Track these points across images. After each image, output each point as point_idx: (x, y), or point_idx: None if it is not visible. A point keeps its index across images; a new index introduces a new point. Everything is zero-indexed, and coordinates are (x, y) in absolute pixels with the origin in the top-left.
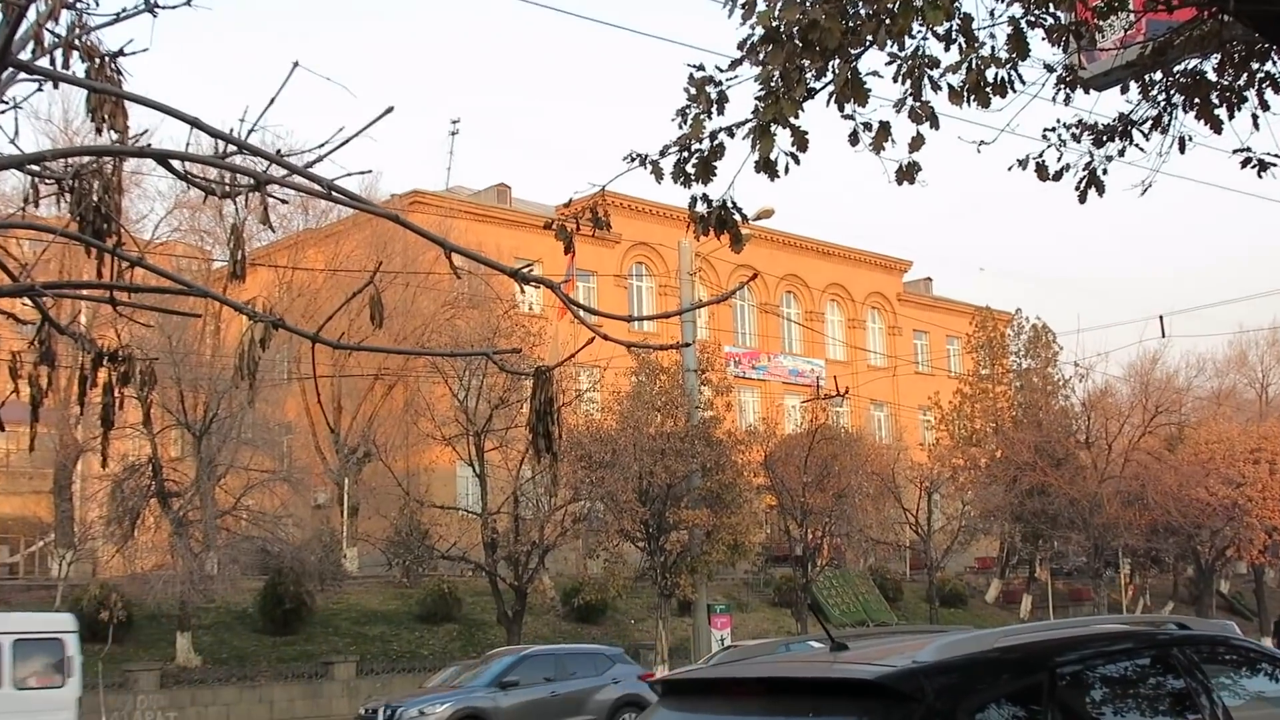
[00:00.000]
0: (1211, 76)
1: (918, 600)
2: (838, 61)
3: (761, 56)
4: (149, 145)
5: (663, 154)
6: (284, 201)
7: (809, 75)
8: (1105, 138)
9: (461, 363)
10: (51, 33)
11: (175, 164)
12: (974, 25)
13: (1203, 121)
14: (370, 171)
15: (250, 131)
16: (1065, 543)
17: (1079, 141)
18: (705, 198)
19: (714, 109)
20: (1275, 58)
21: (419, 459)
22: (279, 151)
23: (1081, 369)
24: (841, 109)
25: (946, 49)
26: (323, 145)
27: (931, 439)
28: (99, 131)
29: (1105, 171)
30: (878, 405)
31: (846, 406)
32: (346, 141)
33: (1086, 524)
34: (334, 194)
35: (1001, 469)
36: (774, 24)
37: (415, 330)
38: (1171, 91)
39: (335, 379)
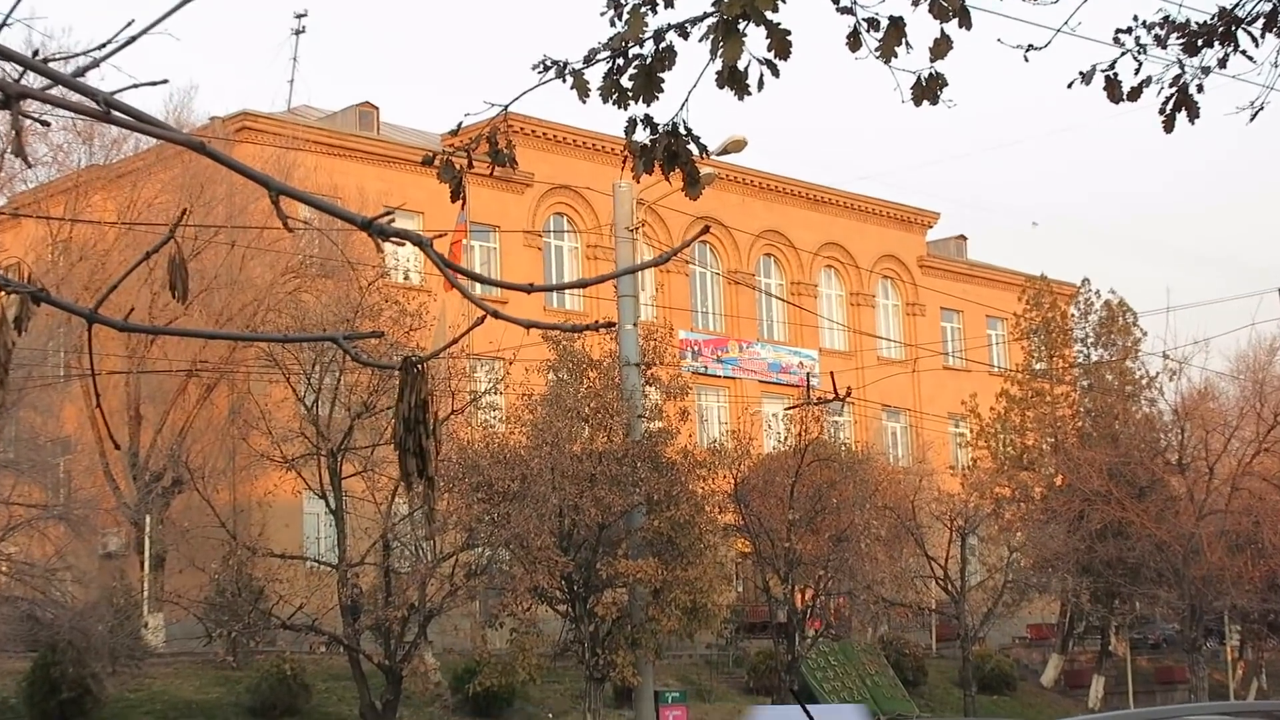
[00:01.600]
0: None
1: (947, 684)
2: None
3: None
4: None
5: (589, 61)
6: (43, 124)
7: None
8: (1200, 42)
9: (310, 354)
10: None
11: None
12: None
13: None
14: (165, 81)
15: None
16: (1151, 604)
17: (1164, 47)
18: (649, 122)
19: None
20: None
21: (250, 488)
22: (36, 53)
23: (1173, 362)
24: (837, 0)
25: None
26: (105, 46)
27: (966, 459)
28: None
29: (1200, 88)
30: (892, 413)
31: (849, 415)
32: (135, 38)
33: (1180, 577)
34: (113, 113)
35: (1063, 501)
36: None
37: (245, 308)
38: None
39: (131, 377)
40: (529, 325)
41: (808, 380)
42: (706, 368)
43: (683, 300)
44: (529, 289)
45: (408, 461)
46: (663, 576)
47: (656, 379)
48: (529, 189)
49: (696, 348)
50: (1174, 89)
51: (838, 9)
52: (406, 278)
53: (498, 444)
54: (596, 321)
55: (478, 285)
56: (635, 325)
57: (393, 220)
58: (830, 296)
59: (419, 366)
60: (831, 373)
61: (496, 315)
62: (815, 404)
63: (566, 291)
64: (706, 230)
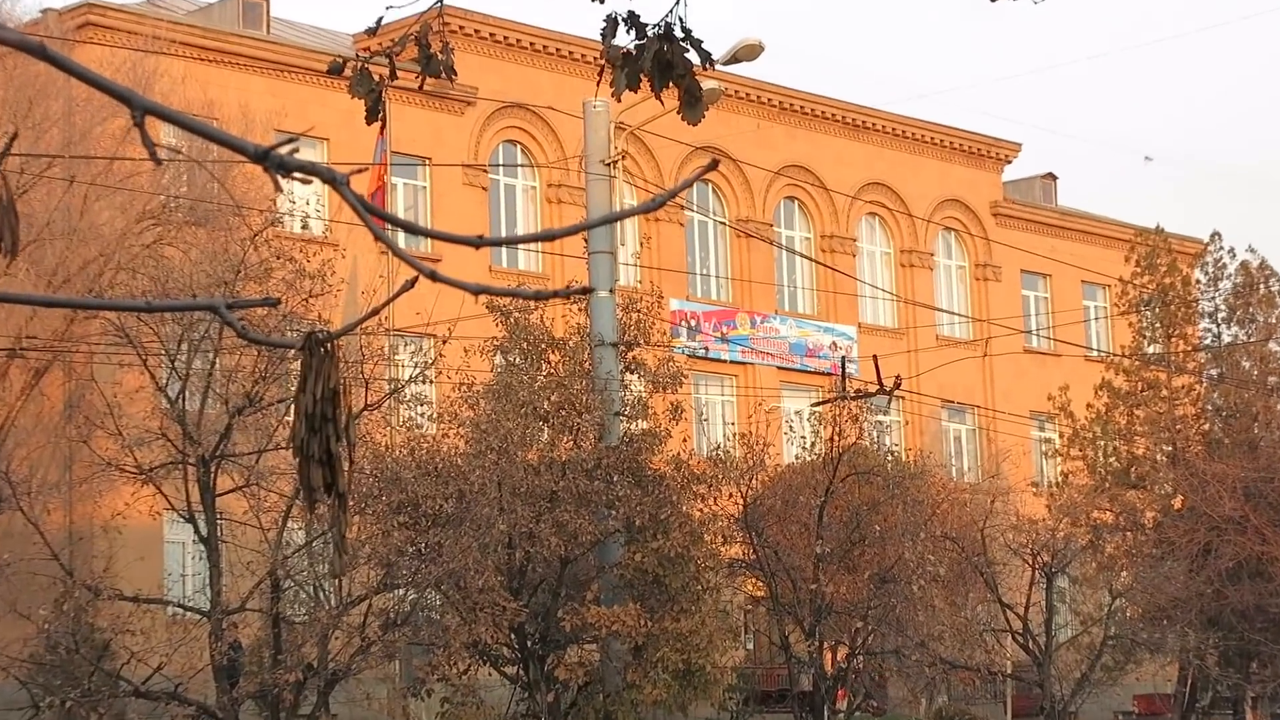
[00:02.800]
0: None
1: None
2: None
3: None
4: None
5: None
6: None
7: None
8: None
9: (175, 328)
10: None
11: None
12: None
13: None
14: None
15: None
16: None
17: None
18: (634, 21)
19: None
20: None
21: (93, 508)
22: None
23: None
24: None
25: None
26: None
27: (1055, 474)
28: None
29: None
30: (956, 411)
31: (897, 413)
32: None
33: None
34: None
35: (1184, 530)
36: None
37: (87, 266)
38: None
39: None
40: (479, 291)
41: (843, 366)
42: (707, 349)
43: (676, 258)
44: (477, 242)
45: (310, 472)
46: (647, 629)
47: (640, 364)
48: (471, 109)
49: (694, 322)
50: None
51: None
52: (305, 226)
53: (426, 450)
54: (569, 286)
55: (401, 235)
56: (612, 292)
57: (296, 150)
58: (874, 255)
59: (327, 345)
60: (875, 357)
61: (434, 277)
62: (853, 398)
63: (520, 246)
64: (713, 166)
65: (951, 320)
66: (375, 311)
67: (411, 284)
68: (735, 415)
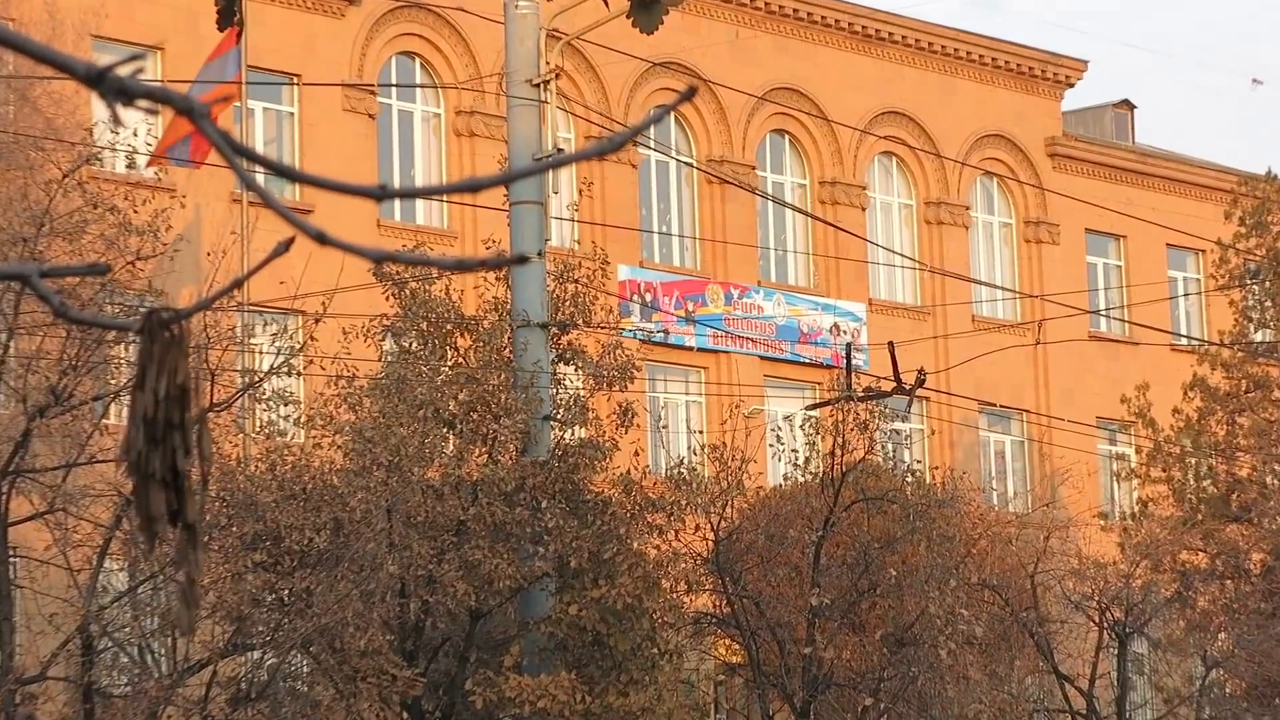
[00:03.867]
0: None
1: None
2: None
3: None
4: None
5: None
6: None
7: None
8: None
9: None
10: None
11: None
12: None
13: None
14: None
15: None
16: None
17: None
18: None
19: None
20: None
21: None
22: None
23: None
24: None
25: None
26: None
27: (1130, 502)
28: None
29: None
30: (998, 417)
31: (920, 418)
32: None
33: None
34: None
35: None
36: None
37: None
38: None
39: None
40: (382, 259)
41: (847, 357)
42: (668, 333)
43: (626, 212)
44: (379, 194)
45: (150, 497)
46: (585, 706)
47: (578, 352)
48: (353, 9)
49: (650, 296)
50: None
51: None
52: (131, 165)
53: (291, 465)
54: (495, 251)
55: (259, 171)
56: (541, 255)
57: (142, 70)
58: (890, 208)
59: (174, 328)
60: (891, 344)
61: (323, 240)
62: (861, 399)
63: (420, 198)
64: (690, 95)
65: (993, 296)
66: (238, 283)
67: (286, 246)
68: (704, 421)
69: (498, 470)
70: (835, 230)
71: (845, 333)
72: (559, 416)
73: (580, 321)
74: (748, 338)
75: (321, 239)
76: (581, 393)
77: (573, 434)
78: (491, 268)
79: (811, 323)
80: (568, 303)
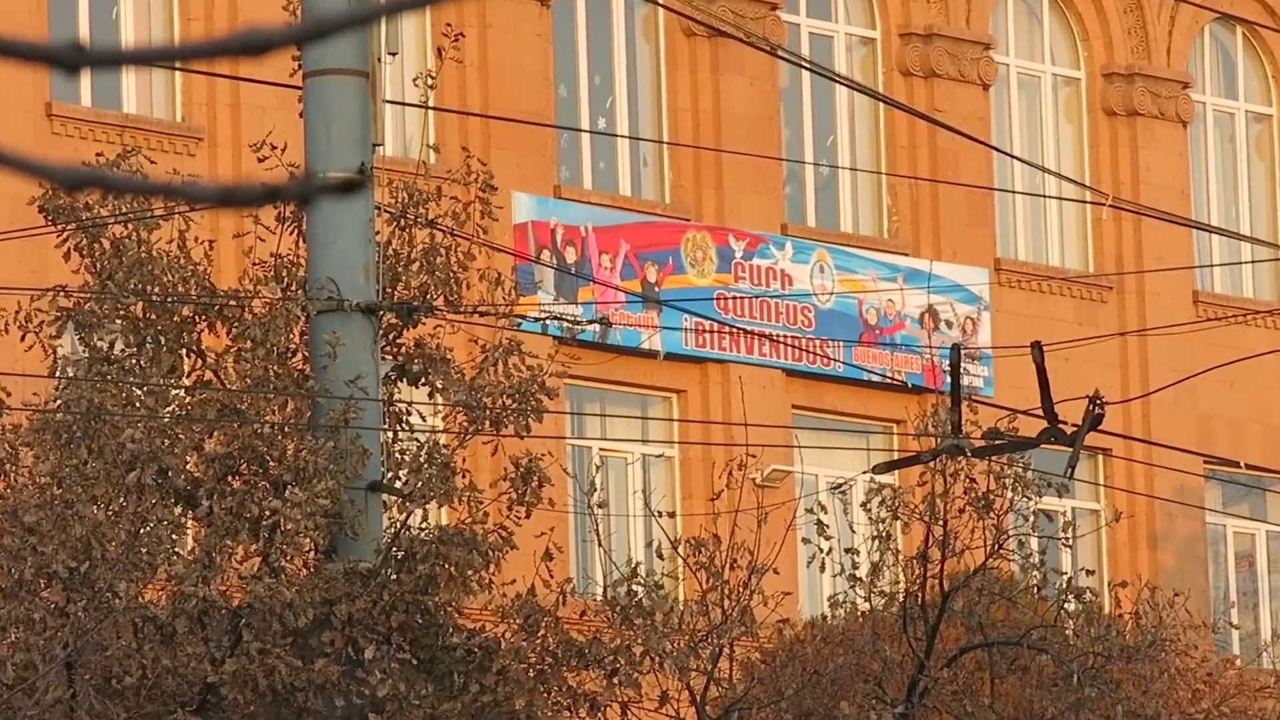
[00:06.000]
0: None
1: None
2: None
3: None
4: None
5: None
6: None
7: None
8: None
9: None
10: None
11: None
12: None
13: None
14: None
15: None
16: None
17: None
18: None
19: None
20: None
21: None
22: None
23: None
24: None
25: None
26: None
27: None
28: None
29: None
30: (1248, 487)
31: (1093, 489)
32: None
33: None
34: None
35: None
36: None
37: None
38: None
39: None
40: (78, 183)
41: (954, 370)
42: (610, 324)
43: (530, 92)
44: (71, 57)
45: None
46: None
47: (435, 361)
48: None
49: (575, 253)
50: None
51: None
52: None
53: None
54: (296, 178)
55: None
56: (366, 177)
57: None
58: (1034, 85)
59: None
60: (1038, 346)
61: None
62: (981, 453)
63: (128, 67)
64: None
65: (1233, 254)
66: None
67: None
68: (677, 494)
69: (280, 588)
70: (933, 126)
71: (950, 324)
72: (399, 483)
73: (441, 302)
74: (762, 334)
75: None
76: (441, 440)
77: (425, 517)
78: (272, 202)
79: (884, 306)
80: (417, 267)
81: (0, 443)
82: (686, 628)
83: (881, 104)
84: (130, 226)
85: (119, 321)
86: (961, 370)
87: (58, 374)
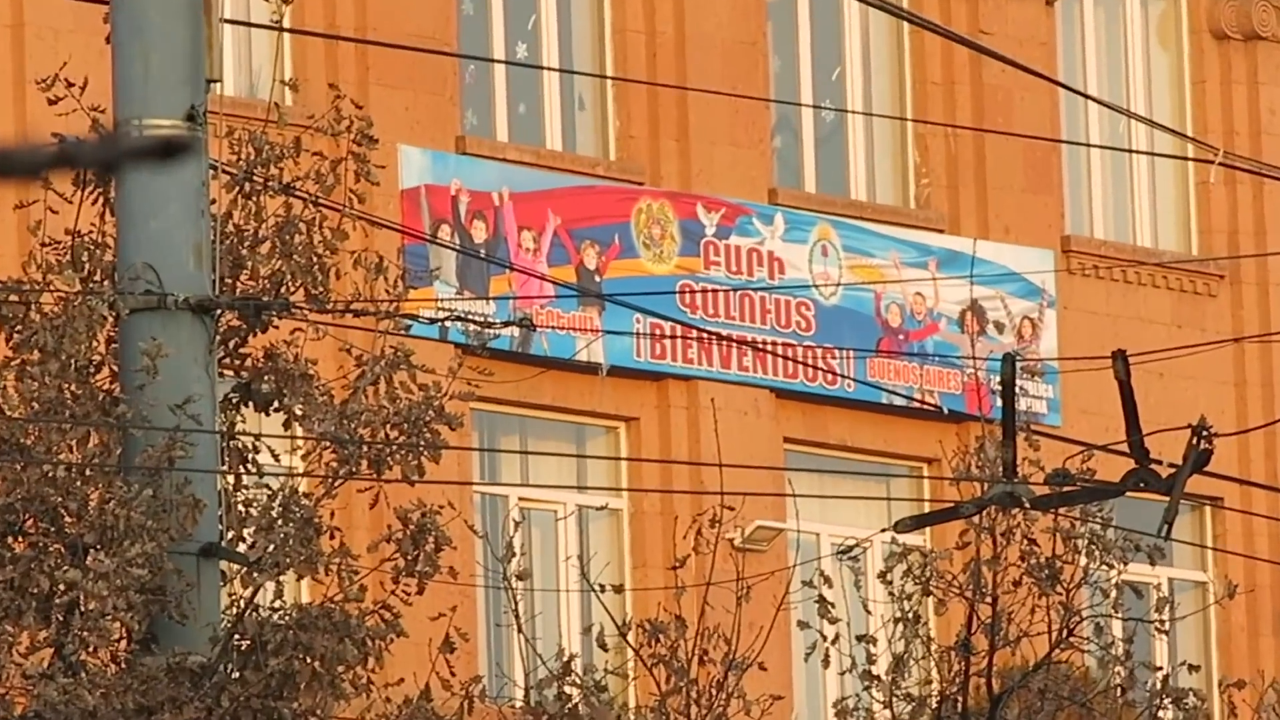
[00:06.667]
0: None
1: None
2: None
3: None
4: None
5: None
6: None
7: None
8: None
9: None
10: None
11: None
12: None
13: None
14: None
15: None
16: None
17: None
18: None
19: None
20: None
21: None
22: None
23: None
24: None
25: None
26: None
27: None
28: None
29: None
30: None
31: (1197, 555)
32: None
33: None
34: None
35: None
36: None
37: None
38: None
39: None
40: None
41: (1007, 391)
42: (534, 327)
43: (423, 11)
44: None
45: None
46: None
47: (294, 378)
48: None
49: (487, 229)
50: None
51: None
52: None
53: None
54: (102, 134)
55: None
56: (195, 120)
57: None
58: (1118, 12)
59: None
60: (1121, 357)
61: None
62: (1043, 505)
63: None
64: None
65: None
66: None
67: None
68: (625, 562)
69: (79, 690)
70: (977, 55)
71: (1002, 327)
72: (242, 547)
73: (301, 296)
74: (743, 340)
75: None
76: (302, 487)
77: (279, 593)
78: (66, 168)
79: (910, 302)
80: (267, 249)
81: None
82: None
83: (906, 23)
84: None
85: None
86: (1017, 390)
87: None
